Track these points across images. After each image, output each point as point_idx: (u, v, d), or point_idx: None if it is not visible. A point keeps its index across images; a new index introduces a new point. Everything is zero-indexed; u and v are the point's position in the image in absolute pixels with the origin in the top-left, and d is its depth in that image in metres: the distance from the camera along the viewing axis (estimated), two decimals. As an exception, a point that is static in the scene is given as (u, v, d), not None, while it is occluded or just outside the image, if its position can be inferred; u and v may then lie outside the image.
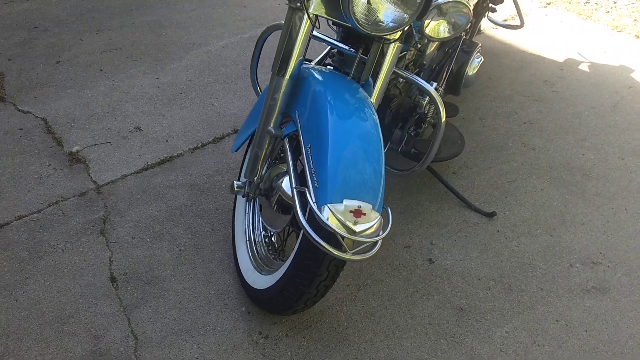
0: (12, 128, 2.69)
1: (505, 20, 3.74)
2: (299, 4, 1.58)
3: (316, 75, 1.71)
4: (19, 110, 2.81)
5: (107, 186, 2.40)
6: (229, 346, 1.84)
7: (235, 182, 1.82)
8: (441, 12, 1.61)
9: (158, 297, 1.98)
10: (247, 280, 1.94)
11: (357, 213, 1.51)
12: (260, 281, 1.87)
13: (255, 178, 1.86)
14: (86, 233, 2.19)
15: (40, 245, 2.14)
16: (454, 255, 2.18)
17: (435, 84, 2.14)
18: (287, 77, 1.67)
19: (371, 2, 1.54)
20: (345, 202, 1.49)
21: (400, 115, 2.22)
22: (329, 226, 1.47)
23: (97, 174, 2.46)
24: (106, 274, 2.05)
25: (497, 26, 3.24)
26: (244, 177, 1.89)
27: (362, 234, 1.51)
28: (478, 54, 2.56)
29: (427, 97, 2.15)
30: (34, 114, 2.79)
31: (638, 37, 3.70)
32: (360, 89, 1.74)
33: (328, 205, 1.49)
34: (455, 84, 2.51)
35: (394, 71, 1.84)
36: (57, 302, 1.95)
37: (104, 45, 3.35)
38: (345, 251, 1.52)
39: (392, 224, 1.57)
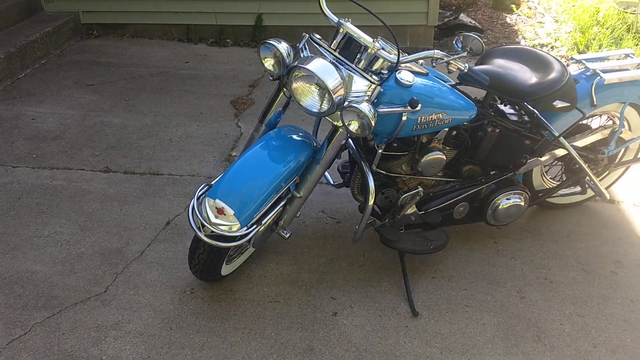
0: (222, 132, 4.00)
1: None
2: (270, 79, 2.33)
3: (285, 127, 2.39)
4: (236, 124, 4.12)
5: (224, 179, 3.44)
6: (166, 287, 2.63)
7: None
8: (358, 116, 2.09)
9: (175, 243, 2.89)
10: None
11: (220, 211, 2.15)
12: None
13: None
14: (188, 196, 3.27)
15: (162, 191, 3.31)
16: (355, 321, 2.42)
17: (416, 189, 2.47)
18: (263, 124, 2.46)
19: (292, 89, 2.14)
20: (217, 200, 2.15)
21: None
22: (196, 210, 2.16)
23: (228, 171, 3.52)
24: (168, 218, 3.07)
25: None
26: None
27: (215, 226, 2.14)
28: (517, 196, 2.61)
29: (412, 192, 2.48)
30: (241, 128, 4.06)
31: None
32: (308, 149, 2.31)
33: (207, 197, 2.18)
34: (479, 210, 2.66)
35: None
36: (135, 219, 3.07)
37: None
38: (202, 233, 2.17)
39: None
